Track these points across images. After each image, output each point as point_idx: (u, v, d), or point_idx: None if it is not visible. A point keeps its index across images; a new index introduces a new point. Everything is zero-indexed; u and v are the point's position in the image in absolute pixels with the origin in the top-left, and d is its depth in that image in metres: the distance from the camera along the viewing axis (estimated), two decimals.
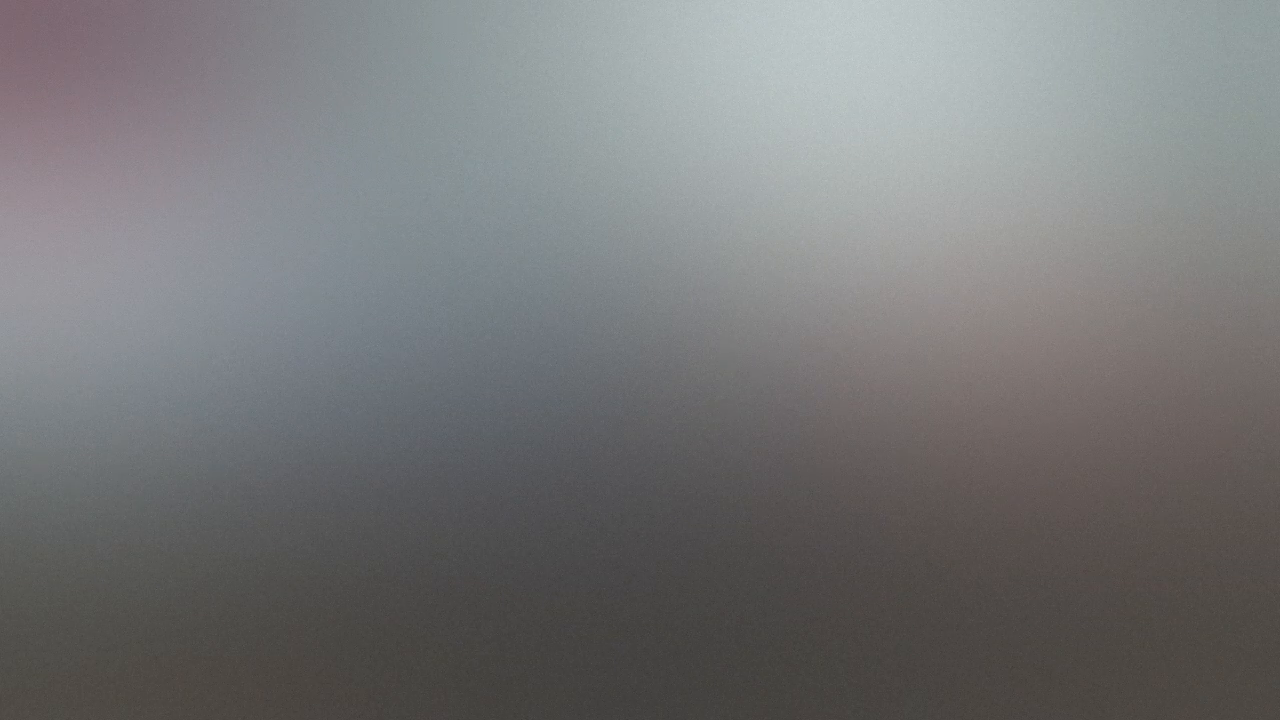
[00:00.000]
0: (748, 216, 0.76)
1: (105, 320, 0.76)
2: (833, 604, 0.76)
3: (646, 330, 0.76)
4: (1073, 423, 0.76)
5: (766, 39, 0.76)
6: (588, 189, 0.76)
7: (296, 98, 0.77)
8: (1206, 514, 0.76)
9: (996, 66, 0.76)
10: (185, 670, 0.76)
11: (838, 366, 0.76)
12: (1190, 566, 0.76)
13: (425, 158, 0.76)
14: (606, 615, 0.76)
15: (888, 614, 0.76)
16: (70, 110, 0.77)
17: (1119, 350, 0.76)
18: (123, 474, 0.76)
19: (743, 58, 0.76)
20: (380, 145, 0.76)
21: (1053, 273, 0.76)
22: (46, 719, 0.77)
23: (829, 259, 0.76)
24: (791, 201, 0.76)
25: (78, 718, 0.77)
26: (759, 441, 0.76)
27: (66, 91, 0.76)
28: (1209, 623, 0.76)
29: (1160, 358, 0.76)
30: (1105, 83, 0.76)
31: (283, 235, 0.76)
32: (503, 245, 0.76)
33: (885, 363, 0.76)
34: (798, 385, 0.76)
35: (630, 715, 0.76)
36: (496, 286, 0.76)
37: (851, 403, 0.76)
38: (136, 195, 0.77)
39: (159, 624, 0.76)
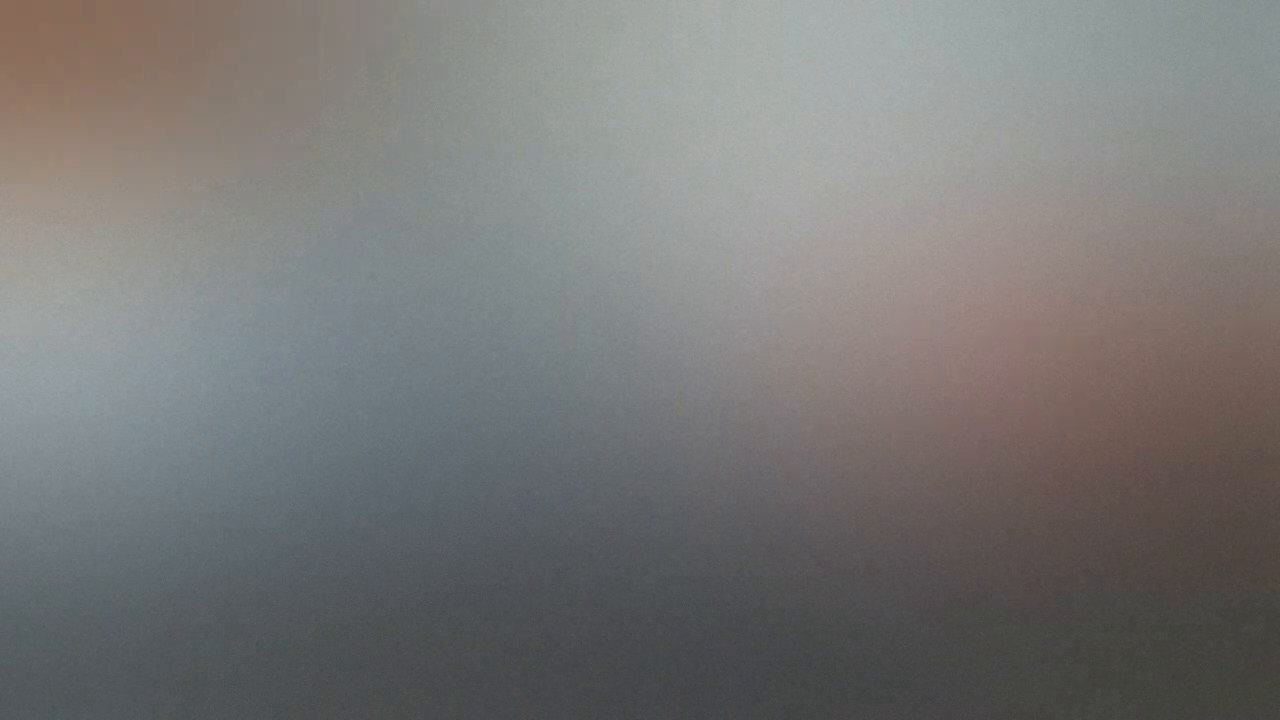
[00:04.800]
0: (746, 217, 0.76)
1: (100, 324, 0.76)
2: (832, 606, 0.76)
3: (644, 334, 0.76)
4: (1072, 423, 0.76)
5: (766, 38, 0.76)
6: (586, 191, 0.76)
7: (294, 100, 0.77)
8: (1207, 514, 0.76)
9: (996, 66, 0.76)
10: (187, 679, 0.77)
11: (837, 368, 0.76)
12: (1190, 566, 0.76)
13: (423, 159, 0.76)
14: (608, 618, 0.76)
15: (887, 615, 0.76)
16: (69, 114, 0.77)
17: (1117, 351, 0.76)
18: (117, 473, 0.76)
19: (742, 57, 0.76)
20: (378, 149, 0.76)
21: (1053, 274, 0.76)
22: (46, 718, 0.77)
23: (828, 260, 0.76)
24: (790, 202, 0.76)
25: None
26: (758, 444, 0.76)
27: (66, 93, 0.76)
28: (1209, 622, 0.76)
29: (1159, 358, 0.76)
30: (1105, 83, 0.76)
31: (279, 236, 0.76)
32: (501, 246, 0.76)
33: (884, 364, 0.76)
34: (796, 387, 0.76)
35: (629, 716, 0.76)
36: (495, 286, 0.76)
37: (851, 404, 0.76)
38: (132, 197, 0.77)
39: (156, 624, 0.76)
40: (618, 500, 0.76)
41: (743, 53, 0.76)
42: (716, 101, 0.76)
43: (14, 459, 0.76)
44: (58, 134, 0.77)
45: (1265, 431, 0.75)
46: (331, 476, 0.76)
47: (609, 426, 0.76)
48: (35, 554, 0.76)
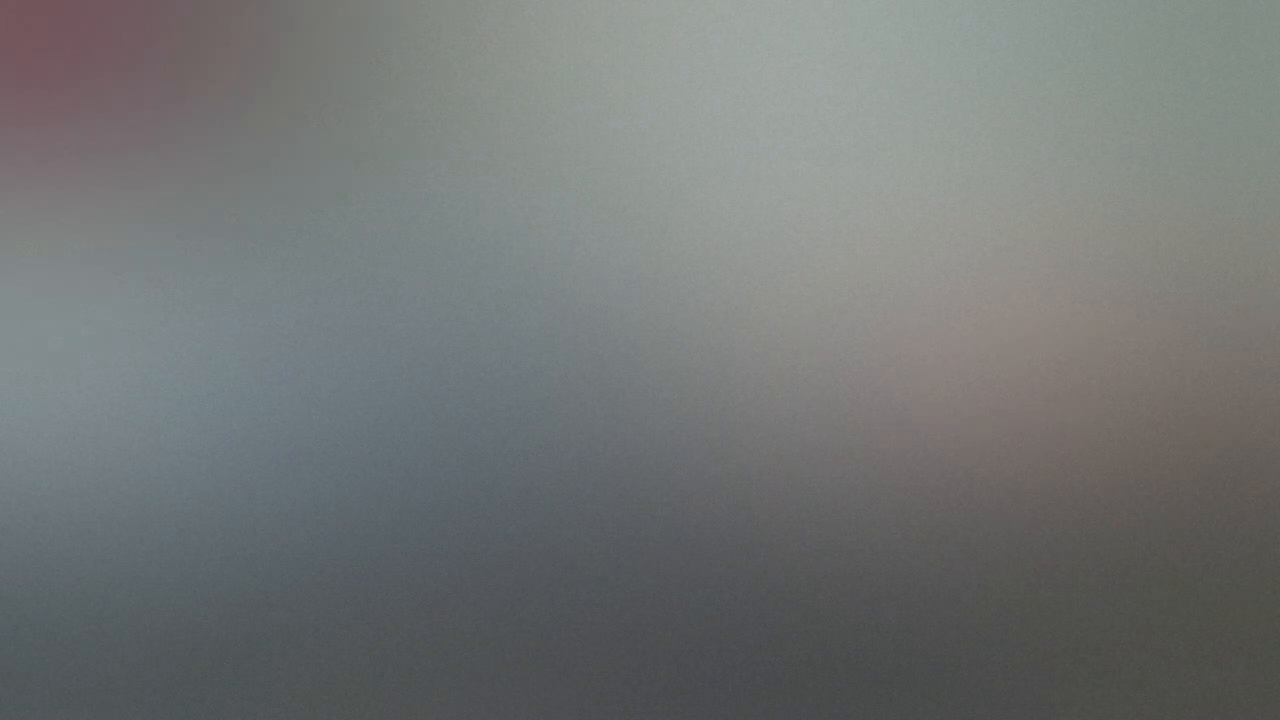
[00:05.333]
0: (746, 217, 0.76)
1: (97, 324, 0.76)
2: (833, 605, 0.76)
3: (644, 334, 0.76)
4: (1073, 424, 0.76)
5: (766, 39, 0.76)
6: (585, 192, 0.76)
7: (295, 101, 0.77)
8: (1206, 514, 0.76)
9: (996, 66, 0.76)
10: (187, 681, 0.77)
11: (837, 368, 0.76)
12: (1190, 567, 0.76)
13: (423, 160, 0.76)
14: (607, 618, 0.76)
15: (887, 614, 0.76)
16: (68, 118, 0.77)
17: (1117, 352, 0.76)
18: (116, 463, 0.76)
19: (741, 58, 0.76)
20: (378, 150, 0.76)
21: (1054, 273, 0.76)
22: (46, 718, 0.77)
23: (829, 260, 0.76)
24: (791, 202, 0.76)
25: None
26: (759, 444, 0.76)
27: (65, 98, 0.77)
28: (1209, 622, 0.76)
29: (1158, 358, 0.76)
30: (1105, 83, 0.76)
31: (279, 236, 0.76)
32: (501, 246, 0.76)
33: (884, 365, 0.76)
34: (797, 387, 0.76)
35: (629, 716, 0.76)
36: (495, 286, 0.76)
37: (852, 404, 0.76)
38: (132, 197, 0.77)
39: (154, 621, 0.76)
40: (618, 500, 0.76)
41: (743, 53, 0.76)
42: (717, 101, 0.76)
43: (14, 459, 0.76)
44: (59, 135, 0.77)
45: (1265, 431, 0.75)
46: (332, 476, 0.76)
47: (609, 426, 0.76)
48: (35, 554, 0.76)
